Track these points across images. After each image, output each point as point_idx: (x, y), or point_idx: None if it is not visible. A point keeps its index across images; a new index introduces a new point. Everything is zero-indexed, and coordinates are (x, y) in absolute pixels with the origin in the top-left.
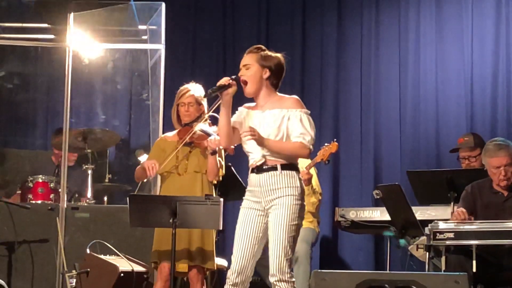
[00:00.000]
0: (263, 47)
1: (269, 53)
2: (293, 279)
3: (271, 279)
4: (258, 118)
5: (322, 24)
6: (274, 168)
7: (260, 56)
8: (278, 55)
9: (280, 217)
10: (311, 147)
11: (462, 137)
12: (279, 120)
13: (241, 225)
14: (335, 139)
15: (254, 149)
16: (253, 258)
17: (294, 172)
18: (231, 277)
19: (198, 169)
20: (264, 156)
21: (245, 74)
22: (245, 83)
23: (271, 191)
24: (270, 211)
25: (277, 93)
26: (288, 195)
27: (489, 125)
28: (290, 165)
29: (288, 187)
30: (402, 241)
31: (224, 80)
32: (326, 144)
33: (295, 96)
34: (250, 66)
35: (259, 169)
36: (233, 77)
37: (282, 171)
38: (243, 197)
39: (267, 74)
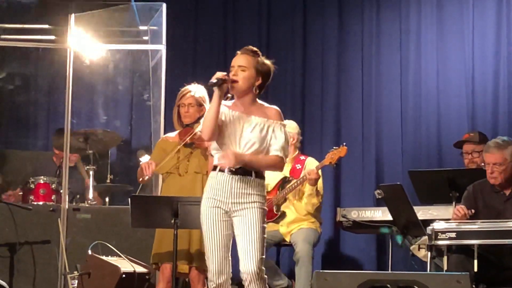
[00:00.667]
0: (259, 52)
1: (264, 60)
2: (266, 276)
3: (247, 278)
4: (243, 121)
5: (323, 24)
6: (248, 173)
7: (257, 62)
8: (270, 63)
9: (254, 221)
10: (286, 160)
11: (467, 133)
12: (265, 130)
13: (209, 225)
14: (344, 143)
15: (232, 148)
16: (228, 256)
17: (263, 181)
18: (213, 279)
19: (199, 169)
20: None
21: (238, 75)
22: (235, 82)
23: (241, 194)
24: (236, 215)
25: (257, 100)
26: (258, 202)
27: (490, 125)
28: (261, 174)
29: (259, 195)
30: (399, 238)
31: (221, 75)
32: (335, 147)
33: (276, 107)
34: (246, 69)
35: (233, 171)
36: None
37: (256, 179)
38: (204, 196)
39: (259, 81)
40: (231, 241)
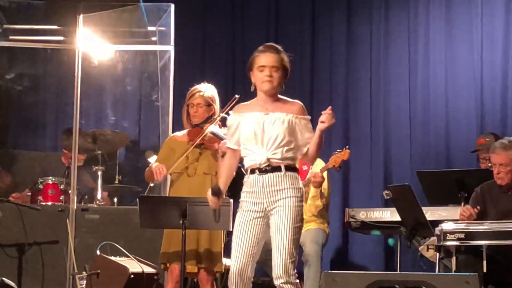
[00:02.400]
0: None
1: (285, 55)
2: (297, 280)
3: (277, 282)
4: (261, 120)
5: (332, 25)
6: (278, 169)
7: (283, 59)
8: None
9: (285, 219)
10: None
11: (482, 138)
12: (289, 124)
13: (240, 227)
14: (347, 146)
15: (257, 149)
16: (252, 260)
17: (296, 174)
18: (233, 278)
19: (208, 170)
20: (268, 158)
21: (273, 76)
22: (270, 82)
23: (275, 192)
24: (273, 213)
25: (278, 95)
26: (292, 196)
27: (499, 125)
28: (293, 167)
29: (291, 188)
30: (391, 240)
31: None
32: (338, 150)
33: (299, 102)
34: (278, 69)
35: (262, 170)
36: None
37: (286, 172)
38: (241, 199)
39: (283, 78)
40: (259, 246)
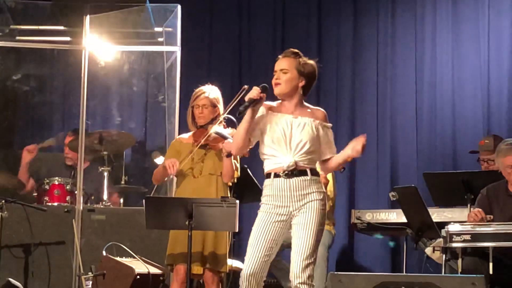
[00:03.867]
0: (300, 53)
1: (307, 60)
2: (314, 284)
3: (294, 281)
4: (290, 122)
5: (338, 25)
6: (304, 173)
7: (299, 63)
8: (313, 62)
9: (309, 221)
10: None
11: (483, 139)
12: (315, 130)
13: (259, 227)
14: None
15: (283, 153)
16: (268, 260)
17: (319, 178)
18: (245, 278)
19: (213, 171)
20: (296, 161)
21: (281, 78)
22: (278, 84)
23: (302, 195)
24: (297, 215)
25: (303, 101)
26: (317, 200)
27: (506, 126)
28: (316, 171)
29: (317, 192)
30: (392, 243)
31: (255, 93)
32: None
33: (322, 109)
34: (288, 71)
35: (288, 174)
36: (262, 86)
37: (312, 176)
38: (262, 202)
39: (303, 82)
40: (276, 248)
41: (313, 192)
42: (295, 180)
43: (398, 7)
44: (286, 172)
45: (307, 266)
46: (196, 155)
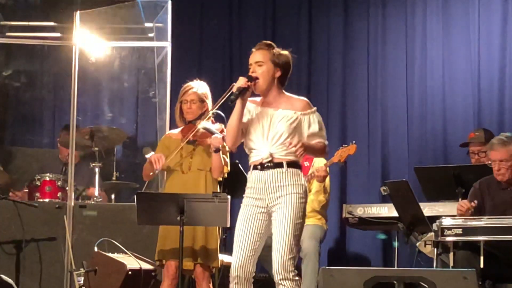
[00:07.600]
0: (273, 44)
1: (280, 51)
2: (297, 278)
3: (276, 277)
4: (270, 116)
5: (329, 20)
6: (280, 165)
7: (273, 54)
8: (287, 53)
9: (286, 216)
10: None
11: (473, 132)
12: (295, 122)
13: (243, 222)
14: (354, 141)
15: (260, 146)
16: (254, 254)
17: (299, 170)
18: (234, 273)
19: (202, 166)
20: (271, 153)
21: (256, 71)
22: (256, 79)
23: (276, 188)
24: (274, 209)
25: (284, 91)
26: (294, 193)
27: (496, 121)
28: (295, 163)
29: (293, 184)
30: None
31: (243, 82)
32: (344, 145)
33: (305, 98)
34: (263, 64)
35: (264, 166)
36: (248, 76)
37: (288, 169)
38: (244, 195)
39: (279, 73)
40: (261, 241)
41: (289, 185)
42: (270, 172)
43: (389, 1)
44: (262, 164)
45: (286, 261)
46: (184, 151)
